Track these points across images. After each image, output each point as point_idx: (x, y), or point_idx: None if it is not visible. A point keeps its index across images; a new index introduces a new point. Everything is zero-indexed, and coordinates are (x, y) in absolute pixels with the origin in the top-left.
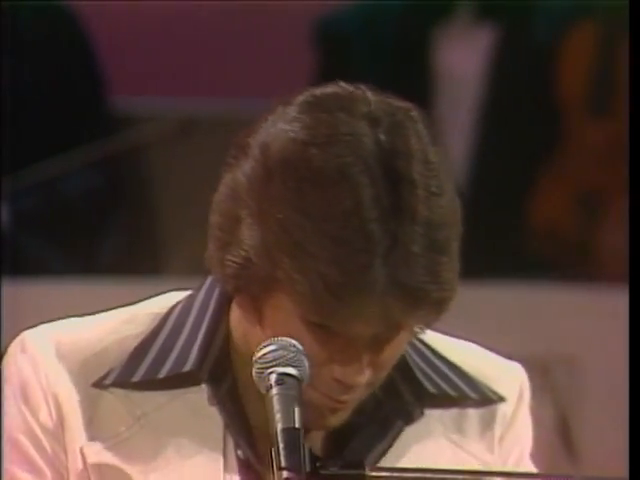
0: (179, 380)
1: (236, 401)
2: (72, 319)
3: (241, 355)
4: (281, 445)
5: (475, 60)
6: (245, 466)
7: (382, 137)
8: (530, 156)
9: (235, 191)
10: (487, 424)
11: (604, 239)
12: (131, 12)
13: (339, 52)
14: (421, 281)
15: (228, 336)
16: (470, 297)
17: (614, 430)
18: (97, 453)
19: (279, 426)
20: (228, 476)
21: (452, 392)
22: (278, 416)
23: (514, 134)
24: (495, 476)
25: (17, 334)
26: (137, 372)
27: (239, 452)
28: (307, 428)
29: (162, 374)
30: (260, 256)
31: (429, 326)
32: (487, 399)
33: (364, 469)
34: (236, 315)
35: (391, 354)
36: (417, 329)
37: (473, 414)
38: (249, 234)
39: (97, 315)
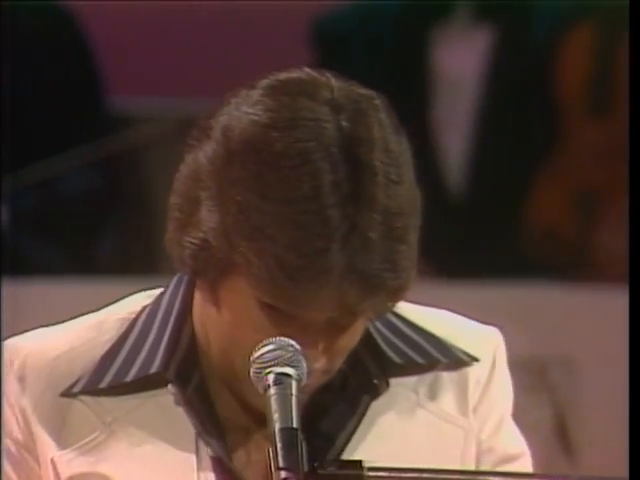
0: (146, 382)
1: (205, 399)
2: (40, 330)
3: (207, 351)
4: (279, 445)
5: (473, 60)
6: (218, 464)
7: (344, 124)
8: (529, 156)
9: (196, 172)
10: (460, 387)
11: (603, 239)
12: (130, 12)
13: (337, 52)
14: (377, 268)
15: (194, 334)
16: (470, 297)
17: (612, 430)
18: (68, 462)
19: (277, 426)
20: (202, 475)
21: (420, 359)
22: (276, 416)
23: (512, 134)
24: (495, 476)
25: (17, 333)
26: (105, 378)
27: (209, 450)
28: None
29: (129, 377)
30: (218, 238)
31: (383, 314)
32: (459, 361)
33: (362, 469)
34: (199, 309)
35: (347, 342)
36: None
37: (446, 378)
38: (208, 216)
39: (66, 323)
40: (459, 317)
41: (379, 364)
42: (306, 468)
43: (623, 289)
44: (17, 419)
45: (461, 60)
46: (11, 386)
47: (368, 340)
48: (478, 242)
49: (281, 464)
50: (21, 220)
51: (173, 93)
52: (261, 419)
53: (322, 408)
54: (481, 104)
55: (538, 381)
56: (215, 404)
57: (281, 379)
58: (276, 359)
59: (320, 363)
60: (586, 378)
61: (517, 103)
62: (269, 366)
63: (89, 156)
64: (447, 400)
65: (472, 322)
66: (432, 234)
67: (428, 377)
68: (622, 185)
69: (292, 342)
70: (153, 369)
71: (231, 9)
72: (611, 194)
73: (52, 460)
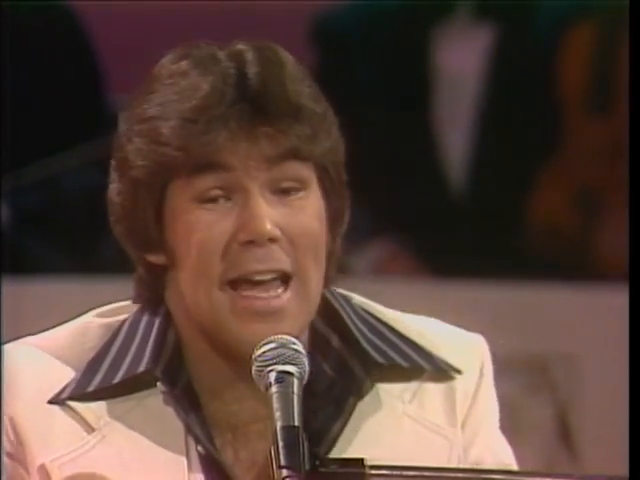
0: (135, 383)
1: (192, 398)
2: (27, 338)
3: (195, 352)
4: (280, 443)
5: (475, 59)
6: (207, 461)
7: (248, 67)
8: (530, 155)
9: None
10: (447, 398)
11: (604, 238)
12: (131, 11)
13: (338, 51)
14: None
15: (179, 337)
16: (470, 297)
17: (613, 428)
18: (60, 467)
19: (278, 424)
20: (192, 475)
21: (403, 362)
22: (277, 414)
23: (514, 133)
24: (494, 475)
25: (17, 332)
26: (92, 382)
27: (199, 448)
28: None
29: (117, 379)
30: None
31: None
32: (443, 372)
33: (364, 467)
34: (175, 306)
35: (294, 219)
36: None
37: (432, 388)
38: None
39: (51, 331)
40: (444, 325)
41: (363, 365)
42: (307, 466)
43: (625, 288)
44: (7, 429)
45: (462, 59)
46: (1, 395)
47: (351, 342)
48: (479, 241)
49: (282, 462)
50: (22, 219)
51: None
52: (248, 375)
53: (309, 412)
54: (482, 103)
55: (540, 380)
56: (202, 405)
57: (283, 377)
58: (277, 357)
59: (266, 225)
60: (588, 377)
61: (518, 102)
62: (270, 364)
63: (90, 155)
64: (433, 410)
65: (457, 330)
66: (433, 233)
67: (413, 386)
68: (624, 184)
69: (293, 340)
70: (141, 368)
71: (231, 9)
72: (613, 193)
73: (43, 466)
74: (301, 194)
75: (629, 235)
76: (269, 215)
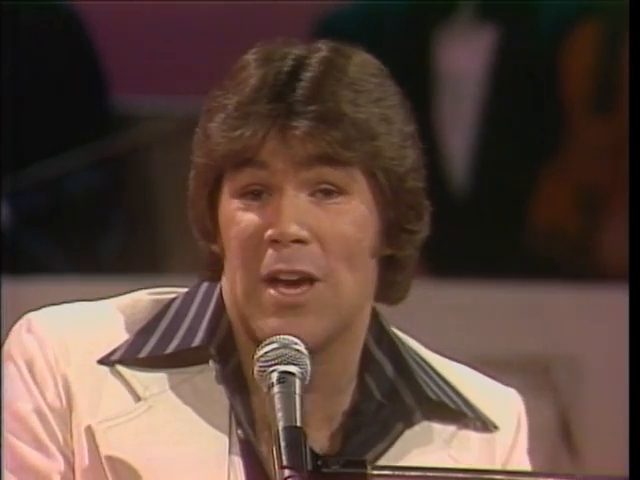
0: (186, 356)
1: (240, 381)
2: (75, 303)
3: (244, 337)
4: (283, 444)
5: (477, 60)
6: (245, 446)
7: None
8: (532, 155)
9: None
10: (487, 449)
11: (607, 238)
12: (131, 11)
13: None
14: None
15: (231, 321)
16: (471, 297)
17: (614, 429)
18: (105, 431)
19: (280, 424)
20: (232, 457)
21: (451, 404)
22: (279, 415)
23: (516, 134)
24: (495, 475)
25: None
26: (144, 348)
27: (239, 432)
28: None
29: (170, 349)
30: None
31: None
32: (484, 423)
33: (366, 467)
34: (228, 294)
35: (327, 223)
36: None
37: (473, 436)
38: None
39: (99, 301)
40: (479, 375)
41: (414, 396)
42: (310, 467)
43: (626, 288)
44: (57, 386)
45: (465, 60)
46: (50, 351)
47: (405, 372)
48: (481, 241)
49: (285, 462)
50: (22, 219)
51: (177, 92)
52: None
53: (354, 428)
54: (485, 104)
55: (541, 380)
56: (250, 391)
57: (285, 377)
58: (280, 357)
59: (292, 227)
60: (590, 377)
61: (521, 102)
62: (273, 364)
63: (92, 155)
64: (472, 454)
65: (493, 383)
66: (436, 233)
67: (458, 432)
68: (626, 184)
69: (296, 340)
70: (196, 342)
71: (232, 9)
72: (615, 193)
73: (89, 427)
74: (340, 199)
75: (629, 235)
76: (298, 216)
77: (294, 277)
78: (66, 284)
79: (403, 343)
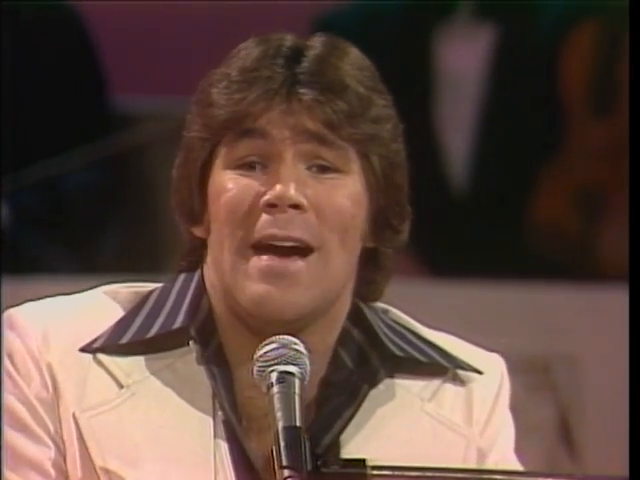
0: (168, 339)
1: (221, 363)
2: (56, 297)
3: (225, 321)
4: (282, 444)
5: (476, 59)
6: (227, 428)
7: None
8: (531, 155)
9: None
10: (465, 400)
11: (606, 238)
12: (132, 12)
13: None
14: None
15: (211, 306)
16: (470, 297)
17: (614, 428)
18: (88, 419)
19: (280, 424)
20: (217, 440)
21: (421, 357)
22: (279, 414)
23: (516, 133)
24: (495, 475)
25: None
26: (126, 335)
27: (220, 413)
28: (268, 319)
29: (151, 333)
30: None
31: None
32: (463, 370)
33: (365, 467)
34: (209, 277)
35: (325, 194)
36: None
37: (451, 389)
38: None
39: (78, 294)
40: (463, 341)
41: (380, 356)
42: (309, 467)
43: (625, 288)
44: (42, 376)
45: (464, 59)
46: (33, 342)
47: (373, 336)
48: (480, 241)
49: (284, 462)
50: (22, 218)
51: (176, 92)
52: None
53: (325, 400)
54: (484, 102)
55: (541, 380)
56: (231, 372)
57: (284, 377)
58: (279, 357)
59: (290, 190)
60: (589, 377)
61: (520, 102)
62: (272, 364)
63: (92, 155)
64: (451, 409)
65: (476, 348)
66: (434, 233)
67: (433, 385)
68: (625, 184)
69: (295, 340)
70: (176, 325)
71: (232, 9)
72: (614, 193)
73: (74, 415)
74: (337, 175)
75: (629, 235)
76: (297, 183)
77: (288, 243)
78: (66, 284)
79: (373, 311)
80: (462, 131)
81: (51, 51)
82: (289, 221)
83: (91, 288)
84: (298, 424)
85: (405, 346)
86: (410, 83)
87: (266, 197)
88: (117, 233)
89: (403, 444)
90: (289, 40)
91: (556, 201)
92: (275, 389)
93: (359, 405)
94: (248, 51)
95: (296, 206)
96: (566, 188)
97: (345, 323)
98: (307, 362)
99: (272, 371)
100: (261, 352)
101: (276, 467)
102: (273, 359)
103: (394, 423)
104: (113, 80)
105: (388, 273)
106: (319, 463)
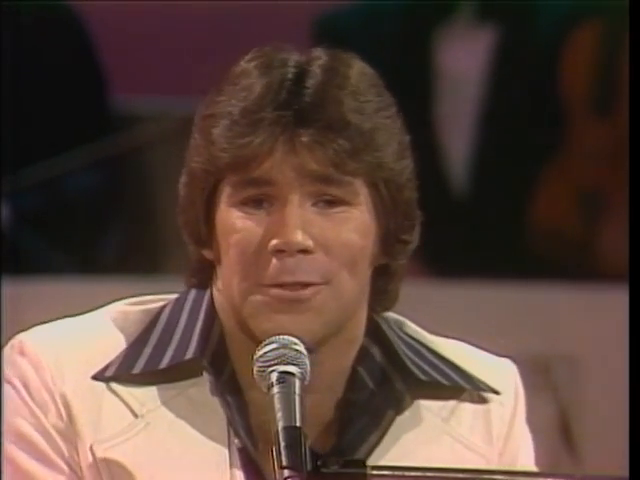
0: (180, 370)
1: (235, 391)
2: (65, 320)
3: (237, 345)
4: (282, 444)
5: (477, 60)
6: (244, 455)
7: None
8: (532, 156)
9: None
10: (484, 418)
11: (606, 239)
12: (132, 12)
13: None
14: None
15: (223, 330)
16: (470, 297)
17: (614, 429)
18: (104, 451)
19: (280, 425)
20: (233, 470)
21: (444, 380)
22: (279, 415)
23: (516, 134)
24: (496, 475)
25: (17, 333)
26: (137, 364)
27: (236, 441)
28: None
29: (163, 364)
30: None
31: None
32: (481, 392)
33: (365, 467)
34: (220, 301)
35: (337, 233)
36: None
37: (469, 408)
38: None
39: (86, 315)
40: (474, 349)
41: (404, 380)
42: (309, 467)
43: (626, 288)
44: (57, 406)
45: (464, 60)
46: (47, 373)
47: (394, 357)
48: (481, 241)
49: (284, 463)
50: (22, 219)
51: (177, 92)
52: None
53: (346, 421)
54: (484, 103)
55: (542, 380)
56: (245, 398)
57: (284, 378)
58: (279, 357)
59: (298, 235)
60: (590, 377)
61: (521, 103)
62: (272, 364)
63: (92, 155)
64: (470, 428)
65: (487, 354)
66: (434, 233)
67: (452, 405)
68: (625, 184)
69: (295, 340)
70: (188, 355)
71: (232, 8)
72: (615, 194)
73: (91, 447)
74: (344, 208)
75: (629, 235)
76: (303, 226)
77: (297, 287)
78: (66, 284)
79: (390, 327)
80: (463, 132)
81: (51, 51)
82: (297, 265)
83: (92, 289)
84: (298, 424)
85: (427, 368)
86: (411, 84)
87: (274, 242)
88: (117, 233)
89: (423, 464)
90: (292, 66)
91: (556, 201)
92: (275, 389)
93: (385, 430)
94: (250, 81)
95: (304, 250)
96: (566, 188)
97: (364, 340)
98: (307, 362)
99: (272, 371)
100: (261, 352)
101: (276, 467)
102: (273, 359)
103: (415, 442)
104: (113, 80)
105: (399, 281)
106: (319, 463)
